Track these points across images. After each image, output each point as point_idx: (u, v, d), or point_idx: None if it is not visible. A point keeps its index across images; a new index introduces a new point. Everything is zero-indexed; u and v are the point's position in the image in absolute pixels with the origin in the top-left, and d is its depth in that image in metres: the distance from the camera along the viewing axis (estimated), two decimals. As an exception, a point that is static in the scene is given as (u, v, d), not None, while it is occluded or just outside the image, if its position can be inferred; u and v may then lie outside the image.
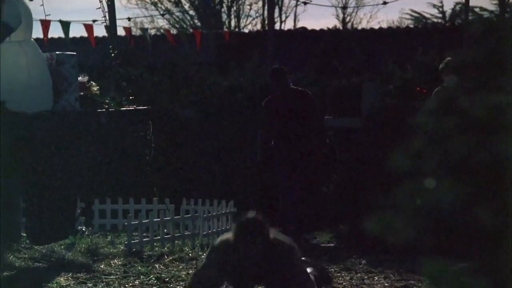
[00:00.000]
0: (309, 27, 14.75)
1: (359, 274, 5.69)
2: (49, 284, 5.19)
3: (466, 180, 1.94)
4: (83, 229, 8.34)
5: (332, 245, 7.48)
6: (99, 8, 7.32)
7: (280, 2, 21.76)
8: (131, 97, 6.93)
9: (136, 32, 13.34)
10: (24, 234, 6.21)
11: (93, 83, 6.64)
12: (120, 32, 10.18)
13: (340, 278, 5.48)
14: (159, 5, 22.19)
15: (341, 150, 7.21)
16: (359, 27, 19.49)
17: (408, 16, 21.72)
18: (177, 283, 5.38)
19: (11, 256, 5.70)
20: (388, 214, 2.16)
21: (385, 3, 10.41)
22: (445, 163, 1.84)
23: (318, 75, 8.73)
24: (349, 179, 6.37)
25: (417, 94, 6.62)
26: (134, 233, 7.30)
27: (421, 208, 2.07)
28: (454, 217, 2.00)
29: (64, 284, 5.27)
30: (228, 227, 8.22)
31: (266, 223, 4.13)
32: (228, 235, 4.32)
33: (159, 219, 7.70)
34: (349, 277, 5.60)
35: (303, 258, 4.33)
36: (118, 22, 9.65)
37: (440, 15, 21.30)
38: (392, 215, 2.09)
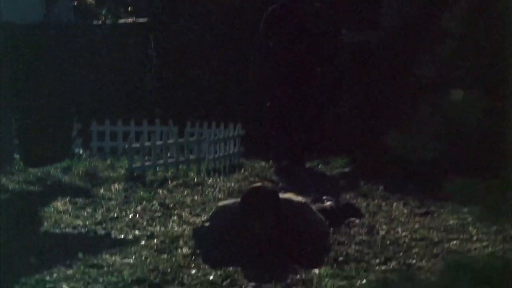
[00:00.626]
0: None
1: (376, 201, 5.74)
2: (45, 209, 5.27)
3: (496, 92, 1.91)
4: (80, 152, 8.42)
5: (347, 170, 7.52)
6: None
7: None
8: (129, 9, 6.83)
9: None
10: (17, 156, 6.27)
11: (88, -8, 6.54)
12: None
13: (356, 205, 5.54)
14: None
15: (357, 67, 7.12)
16: None
17: None
18: (181, 210, 5.45)
19: (4, 179, 5.77)
20: (411, 131, 2.15)
21: None
22: (474, 71, 1.81)
23: None
24: (366, 98, 6.31)
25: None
26: (135, 157, 7.36)
27: (447, 122, 2.06)
28: (481, 132, 1.99)
29: (62, 209, 5.34)
30: (236, 151, 8.27)
31: (274, 192, 4.18)
32: (229, 202, 4.38)
33: (162, 142, 7.75)
34: (365, 204, 5.65)
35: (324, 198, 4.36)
36: None
37: None
38: (415, 132, 2.08)
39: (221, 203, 4.44)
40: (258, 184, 4.31)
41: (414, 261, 4.00)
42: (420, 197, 5.58)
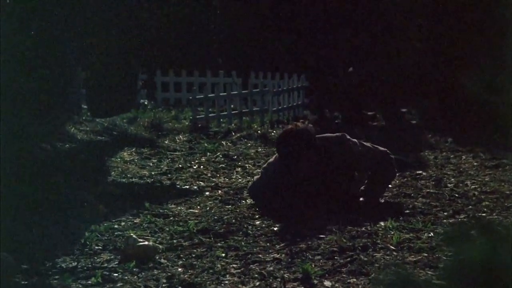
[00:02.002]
0: None
1: (444, 153, 5.63)
2: (112, 158, 5.36)
3: None
4: (145, 103, 8.51)
5: (414, 122, 7.39)
6: None
7: None
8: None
9: None
10: (85, 107, 6.36)
11: None
12: None
13: (423, 158, 5.44)
14: None
15: None
16: None
17: None
18: (245, 161, 5.46)
19: (73, 129, 5.87)
20: (487, 72, 2.06)
21: None
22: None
23: None
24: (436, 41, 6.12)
25: None
26: (199, 108, 7.39)
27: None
28: None
29: (128, 159, 5.42)
30: (299, 102, 8.22)
31: (306, 130, 4.02)
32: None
33: (225, 94, 7.76)
34: (433, 156, 5.55)
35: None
36: None
37: None
38: (492, 73, 1.99)
39: (271, 159, 4.39)
40: (289, 127, 4.11)
41: (484, 215, 3.91)
42: (491, 149, 5.45)
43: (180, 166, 5.27)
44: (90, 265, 3.15)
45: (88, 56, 5.80)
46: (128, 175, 4.91)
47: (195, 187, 4.63)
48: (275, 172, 4.12)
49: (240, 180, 4.83)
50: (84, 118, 6.32)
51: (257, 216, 3.95)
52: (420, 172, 4.87)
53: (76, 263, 3.18)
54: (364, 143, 4.19)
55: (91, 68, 5.87)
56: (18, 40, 5.18)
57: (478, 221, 3.08)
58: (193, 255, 3.28)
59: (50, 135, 5.36)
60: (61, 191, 4.19)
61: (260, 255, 3.26)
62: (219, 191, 4.52)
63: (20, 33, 5.26)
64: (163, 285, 2.95)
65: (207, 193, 4.47)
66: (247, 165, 5.33)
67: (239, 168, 5.22)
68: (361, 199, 4.09)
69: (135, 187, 4.59)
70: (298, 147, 3.96)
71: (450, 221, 3.79)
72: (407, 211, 3.98)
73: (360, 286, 2.90)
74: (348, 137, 4.17)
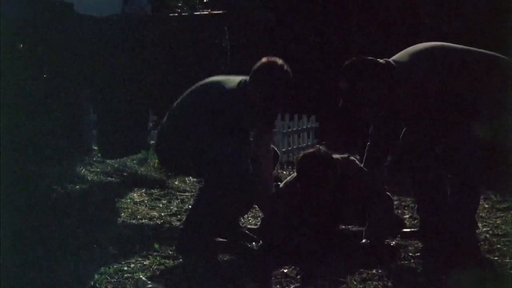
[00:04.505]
0: None
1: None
2: (122, 199, 5.38)
3: None
4: (156, 144, 8.55)
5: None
6: None
7: None
8: (205, 0, 6.89)
9: None
10: (96, 148, 6.41)
11: (165, -15, 6.62)
12: None
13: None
14: None
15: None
16: None
17: None
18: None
19: (83, 170, 5.91)
20: (496, 122, 2.08)
21: None
22: None
23: None
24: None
25: None
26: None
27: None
28: None
29: (138, 200, 5.44)
30: (309, 144, 8.24)
31: (328, 155, 3.96)
32: (291, 178, 4.17)
33: (236, 134, 7.77)
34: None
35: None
36: None
37: None
38: (502, 123, 2.01)
39: (279, 187, 4.28)
40: (311, 150, 4.01)
41: (496, 258, 3.89)
42: (502, 192, 5.44)
43: (190, 207, 5.28)
44: (99, 308, 3.15)
45: (99, 97, 5.87)
46: (138, 216, 4.92)
47: (205, 229, 4.62)
48: (292, 205, 4.02)
49: (251, 220, 4.83)
50: (94, 159, 6.36)
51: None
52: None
53: (85, 306, 3.18)
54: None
55: (102, 109, 5.93)
56: (30, 83, 5.26)
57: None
58: (203, 298, 3.27)
59: (62, 176, 5.40)
60: (71, 232, 4.21)
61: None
62: (229, 232, 4.51)
63: (32, 75, 5.35)
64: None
65: (217, 234, 4.46)
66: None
67: (250, 209, 5.23)
68: (364, 240, 4.03)
69: (145, 229, 4.59)
70: (319, 170, 3.87)
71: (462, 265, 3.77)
72: (417, 253, 3.96)
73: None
74: (352, 158, 4.13)
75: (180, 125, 4.11)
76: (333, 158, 3.97)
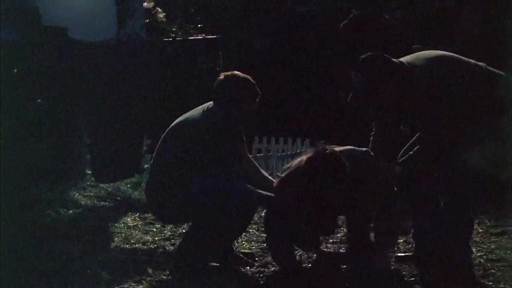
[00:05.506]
0: None
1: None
2: (116, 224, 5.36)
3: None
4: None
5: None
6: None
7: None
8: (199, 25, 6.93)
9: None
10: (89, 172, 6.40)
11: (159, 10, 6.67)
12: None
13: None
14: None
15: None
16: None
17: None
18: (249, 226, 5.45)
19: (77, 194, 5.89)
20: (491, 148, 2.10)
21: None
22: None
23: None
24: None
25: None
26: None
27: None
28: None
29: (132, 224, 5.42)
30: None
31: (341, 157, 3.87)
32: (297, 166, 4.09)
33: (230, 158, 7.79)
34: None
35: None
36: None
37: None
38: (497, 149, 2.02)
39: (280, 177, 4.19)
40: (320, 151, 3.89)
41: (490, 283, 3.89)
42: (496, 216, 5.44)
43: (184, 231, 5.26)
44: (92, 334, 3.13)
45: (93, 121, 5.88)
46: (132, 241, 4.90)
47: (199, 254, 4.60)
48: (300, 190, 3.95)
49: (244, 244, 4.82)
50: (88, 183, 6.35)
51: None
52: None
53: (78, 332, 3.15)
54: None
55: (96, 133, 5.93)
56: (24, 107, 5.26)
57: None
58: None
59: (55, 201, 5.39)
60: (64, 257, 4.19)
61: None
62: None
63: (27, 100, 5.36)
64: None
65: (211, 259, 4.44)
66: (250, 229, 5.32)
67: (243, 234, 5.21)
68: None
69: (138, 253, 4.58)
70: (331, 169, 3.80)
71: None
72: (412, 278, 3.95)
73: None
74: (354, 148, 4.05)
75: (165, 179, 4.11)
76: (343, 159, 3.87)
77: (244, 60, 8.98)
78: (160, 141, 4.27)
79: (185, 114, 4.26)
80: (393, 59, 3.90)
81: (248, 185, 4.04)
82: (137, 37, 6.14)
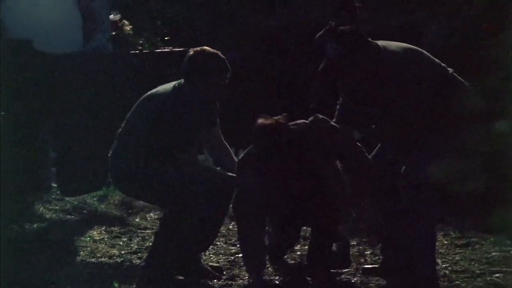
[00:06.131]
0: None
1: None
2: (82, 238, 5.31)
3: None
4: (117, 181, 8.49)
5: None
6: None
7: None
8: (166, 38, 6.93)
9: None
10: (55, 185, 6.34)
11: (126, 22, 6.65)
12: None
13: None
14: None
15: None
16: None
17: None
18: (217, 239, 5.44)
19: (42, 208, 5.84)
20: (454, 161, 2.12)
21: None
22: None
23: (375, 10, 8.48)
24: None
25: (484, 32, 6.44)
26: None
27: (492, 154, 2.03)
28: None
29: (98, 238, 5.38)
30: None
31: (284, 121, 3.83)
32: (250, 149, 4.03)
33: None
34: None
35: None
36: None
37: None
38: (460, 162, 2.05)
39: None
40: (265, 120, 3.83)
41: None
42: (461, 228, 5.50)
43: (151, 244, 5.23)
44: None
45: (58, 134, 5.83)
46: (98, 255, 4.86)
47: (166, 267, 4.58)
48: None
49: (212, 257, 4.81)
50: (53, 196, 6.29)
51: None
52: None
53: None
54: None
55: (61, 146, 5.88)
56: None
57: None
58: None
59: (20, 215, 5.33)
60: (29, 272, 4.14)
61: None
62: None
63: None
64: None
65: (178, 272, 4.42)
66: (218, 242, 5.32)
67: (211, 247, 5.20)
68: None
69: (105, 267, 4.54)
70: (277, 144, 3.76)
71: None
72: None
73: None
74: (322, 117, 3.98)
75: (128, 145, 4.13)
76: (288, 127, 3.84)
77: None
78: (130, 111, 4.27)
79: (158, 87, 4.27)
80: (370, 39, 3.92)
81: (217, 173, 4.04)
82: (103, 50, 6.11)
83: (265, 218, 4.02)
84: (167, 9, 9.16)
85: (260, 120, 3.92)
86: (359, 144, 4.04)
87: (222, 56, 4.07)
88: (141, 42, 6.60)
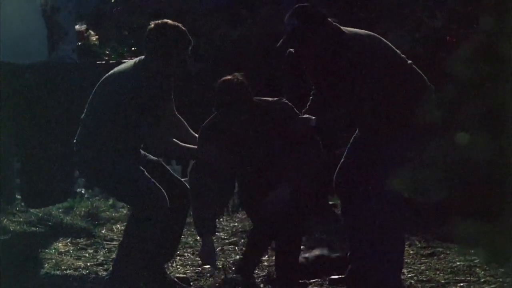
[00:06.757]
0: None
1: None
2: (46, 250, 5.26)
3: (503, 133, 1.91)
4: (82, 192, 8.41)
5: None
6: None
7: None
8: (133, 48, 6.90)
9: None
10: (19, 197, 6.26)
11: (92, 33, 6.62)
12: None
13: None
14: None
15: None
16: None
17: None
18: (184, 250, 5.42)
19: (5, 220, 5.76)
20: (416, 171, 2.14)
21: None
22: (480, 115, 1.81)
23: (340, 24, 8.54)
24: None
25: (447, 44, 6.53)
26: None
27: (453, 165, 2.05)
28: (488, 175, 1.98)
29: (63, 250, 5.33)
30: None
31: (243, 83, 3.91)
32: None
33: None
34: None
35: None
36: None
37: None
38: (421, 173, 2.07)
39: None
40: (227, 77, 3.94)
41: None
42: (426, 238, 5.55)
43: (115, 256, 5.19)
44: None
45: (23, 143, 5.77)
46: (63, 267, 4.81)
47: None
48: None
49: (179, 268, 4.78)
50: (17, 208, 6.21)
51: None
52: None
53: None
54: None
55: (26, 157, 5.82)
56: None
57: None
58: None
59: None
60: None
61: None
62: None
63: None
64: None
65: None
66: (185, 253, 5.29)
67: (178, 257, 5.17)
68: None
69: (70, 280, 4.50)
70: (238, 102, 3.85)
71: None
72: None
73: None
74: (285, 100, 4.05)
75: (92, 132, 4.10)
76: (246, 85, 3.92)
77: (179, 84, 8.96)
78: (92, 92, 4.23)
79: (119, 66, 4.25)
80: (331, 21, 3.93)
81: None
82: (69, 60, 6.07)
83: (219, 187, 4.08)
84: (134, 20, 9.13)
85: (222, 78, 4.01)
86: (315, 137, 4.08)
87: (184, 28, 4.03)
88: (107, 52, 6.55)
